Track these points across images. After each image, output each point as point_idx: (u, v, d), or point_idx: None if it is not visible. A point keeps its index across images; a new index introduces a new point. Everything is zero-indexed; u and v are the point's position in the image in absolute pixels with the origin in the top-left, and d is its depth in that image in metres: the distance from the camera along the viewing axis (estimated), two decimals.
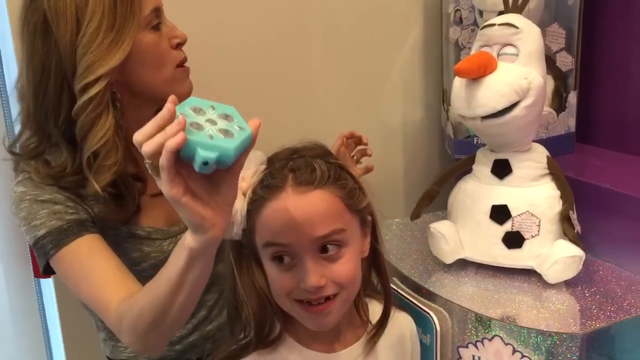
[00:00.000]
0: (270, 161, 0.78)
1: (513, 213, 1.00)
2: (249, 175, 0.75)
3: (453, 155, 1.33)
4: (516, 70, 0.95)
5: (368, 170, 1.14)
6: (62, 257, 0.86)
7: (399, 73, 1.43)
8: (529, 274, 1.03)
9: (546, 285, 1.00)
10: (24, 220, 0.88)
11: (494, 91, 0.94)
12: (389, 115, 1.44)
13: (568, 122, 1.29)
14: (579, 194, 1.02)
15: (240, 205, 0.74)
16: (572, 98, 1.28)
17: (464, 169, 1.11)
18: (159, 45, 0.91)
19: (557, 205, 1.01)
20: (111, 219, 0.91)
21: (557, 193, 1.02)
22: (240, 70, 1.28)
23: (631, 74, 1.28)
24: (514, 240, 1.01)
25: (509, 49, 0.98)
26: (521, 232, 1.00)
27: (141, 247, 0.96)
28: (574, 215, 1.00)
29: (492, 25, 0.99)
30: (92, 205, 0.90)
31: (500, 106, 0.94)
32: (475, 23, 1.31)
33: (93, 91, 0.83)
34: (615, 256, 1.08)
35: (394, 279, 1.11)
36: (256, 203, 0.76)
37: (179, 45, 0.95)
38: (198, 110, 0.63)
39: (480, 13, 1.26)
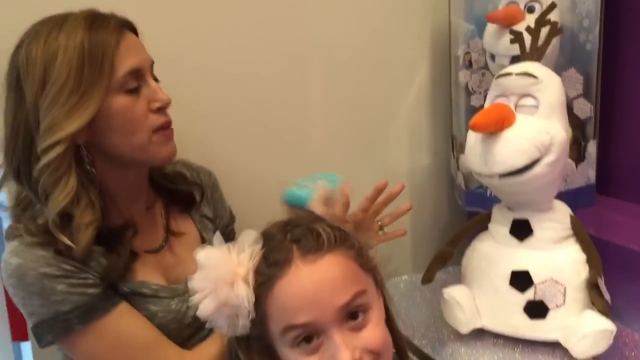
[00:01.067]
0: (267, 237, 0.68)
1: (535, 280, 0.91)
2: (246, 258, 0.66)
3: (464, 206, 1.25)
4: (537, 124, 0.87)
5: (397, 235, 1.07)
6: (91, 331, 0.83)
7: (405, 118, 1.35)
8: (553, 347, 0.93)
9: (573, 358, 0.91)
10: (37, 295, 0.82)
11: (513, 147, 0.85)
12: (394, 163, 1.36)
13: (587, 173, 1.21)
14: (602, 254, 0.93)
15: (244, 292, 0.64)
16: (592, 147, 1.20)
17: (479, 227, 1.02)
18: (131, 110, 0.84)
19: (584, 271, 0.92)
20: (109, 276, 0.86)
21: (583, 257, 0.93)
22: (239, 116, 1.20)
23: None
24: (536, 309, 0.91)
25: (528, 101, 0.89)
26: (545, 301, 0.91)
27: (147, 305, 0.89)
28: (602, 282, 0.91)
29: (509, 74, 0.91)
30: (93, 266, 0.85)
31: (520, 164, 0.85)
32: (486, 66, 1.23)
33: (52, 154, 0.79)
34: None
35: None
36: (264, 286, 0.66)
37: (160, 110, 0.88)
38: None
39: (492, 57, 1.19)
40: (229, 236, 1.04)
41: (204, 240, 1.00)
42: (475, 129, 0.86)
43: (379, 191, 1.01)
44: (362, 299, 0.67)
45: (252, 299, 0.65)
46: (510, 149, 0.85)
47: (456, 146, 1.30)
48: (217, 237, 0.69)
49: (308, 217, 0.73)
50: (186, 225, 1.00)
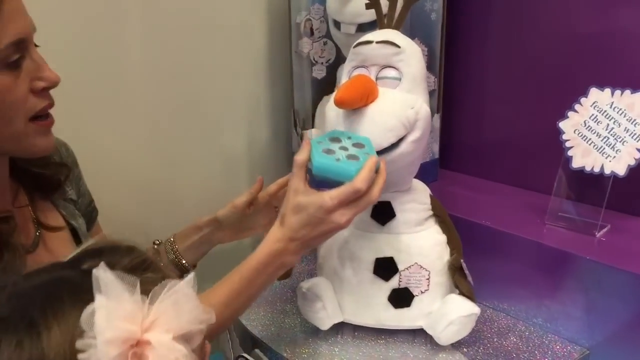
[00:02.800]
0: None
1: (400, 267, 0.85)
2: None
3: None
4: (401, 98, 0.79)
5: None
6: None
7: (242, 91, 1.21)
8: (414, 333, 0.88)
9: (436, 346, 0.86)
10: None
11: (380, 125, 0.76)
12: (230, 140, 1.22)
13: (432, 148, 1.18)
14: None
15: None
16: (436, 122, 1.17)
17: None
18: (10, 90, 0.63)
19: (445, 253, 0.88)
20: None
21: (444, 238, 0.89)
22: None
23: (486, 96, 1.20)
24: (402, 298, 0.85)
25: (390, 72, 0.81)
26: (410, 289, 0.85)
27: None
28: (464, 264, 0.87)
29: (369, 42, 0.82)
30: None
31: (387, 143, 0.77)
32: (328, 35, 1.14)
33: None
34: (496, 299, 0.99)
35: (256, 350, 0.90)
36: None
37: (44, 90, 0.67)
38: (335, 140, 0.77)
39: (336, 24, 1.09)
40: (92, 215, 0.89)
41: (74, 231, 0.80)
42: (342, 105, 0.75)
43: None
44: None
45: None
46: (377, 127, 0.76)
47: (299, 121, 1.20)
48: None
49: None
50: (54, 215, 0.79)
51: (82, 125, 1.02)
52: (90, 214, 0.88)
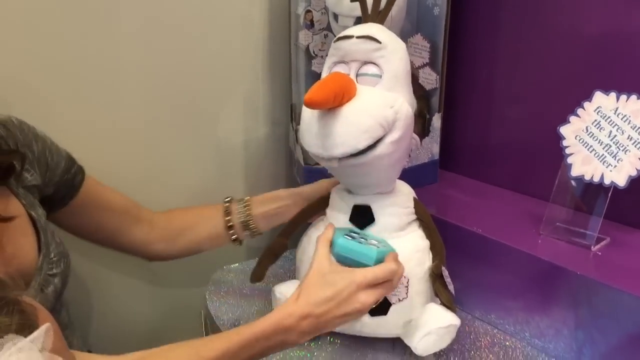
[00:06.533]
0: None
1: None
2: None
3: (303, 184, 1.12)
4: (379, 97, 0.75)
5: None
6: None
7: (240, 84, 1.18)
8: (393, 341, 0.85)
9: (417, 355, 0.83)
10: None
11: (354, 126, 0.72)
12: (227, 133, 1.19)
13: (432, 148, 1.13)
14: (443, 235, 0.85)
15: None
16: (436, 121, 1.12)
17: (317, 213, 0.90)
18: None
19: (427, 260, 0.83)
20: None
21: (427, 243, 0.84)
22: (39, 85, 0.96)
23: (490, 96, 1.15)
24: (378, 306, 0.81)
25: (370, 69, 0.77)
26: (387, 297, 0.81)
27: None
28: (446, 272, 0.83)
29: (349, 37, 0.78)
30: None
31: (362, 145, 0.73)
32: (329, 27, 1.10)
33: None
34: (484, 310, 0.94)
35: None
36: None
37: None
38: (352, 234, 0.80)
39: (335, 17, 1.06)
40: (74, 183, 0.87)
41: (33, 220, 0.78)
42: (312, 105, 0.71)
43: None
44: None
45: None
46: (351, 129, 0.72)
47: (295, 116, 1.16)
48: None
49: None
50: (10, 204, 0.76)
51: (76, 118, 1.01)
52: (71, 181, 0.86)
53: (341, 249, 0.75)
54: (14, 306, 0.42)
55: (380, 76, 0.76)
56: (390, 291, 0.77)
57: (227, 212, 0.96)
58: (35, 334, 0.39)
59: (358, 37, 0.76)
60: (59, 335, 0.45)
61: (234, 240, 0.97)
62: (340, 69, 0.78)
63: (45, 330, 0.39)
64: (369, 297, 0.72)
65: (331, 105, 0.72)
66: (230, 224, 0.96)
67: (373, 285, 0.72)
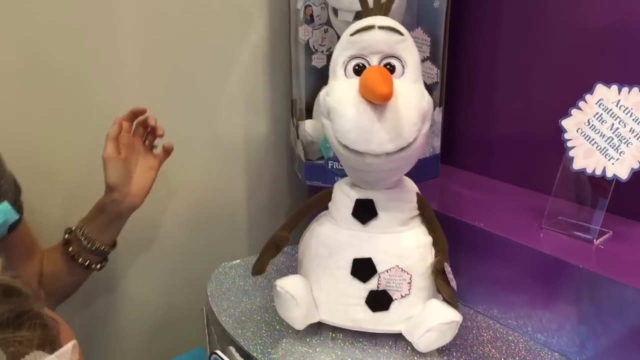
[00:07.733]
0: None
1: (379, 268, 0.80)
2: None
3: (304, 180, 1.11)
4: (414, 89, 0.75)
5: (167, 151, 0.99)
6: None
7: (240, 79, 1.18)
8: (395, 337, 0.85)
9: (418, 352, 0.82)
10: None
11: (405, 119, 0.72)
12: (227, 130, 1.19)
13: (433, 143, 1.13)
14: (445, 230, 0.85)
15: None
16: (438, 115, 1.12)
17: (319, 207, 0.90)
18: None
19: (429, 256, 0.83)
20: None
21: (429, 239, 0.84)
22: (34, 83, 0.95)
23: (491, 90, 1.14)
24: (379, 301, 0.81)
25: (393, 61, 0.76)
26: (389, 292, 0.81)
27: None
28: (448, 268, 0.83)
29: (370, 27, 0.76)
30: None
31: (412, 137, 0.73)
32: (328, 22, 1.09)
33: None
34: (486, 305, 0.94)
35: (230, 348, 0.87)
36: None
37: None
38: None
39: (335, 12, 1.05)
40: (19, 212, 0.86)
41: None
42: (385, 99, 0.69)
43: (135, 113, 0.94)
44: None
45: None
46: (403, 122, 0.71)
47: (296, 112, 1.16)
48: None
49: None
50: None
51: (75, 117, 1.01)
52: (17, 211, 0.80)
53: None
54: (36, 320, 0.41)
55: (404, 68, 0.76)
56: None
57: (71, 244, 0.90)
58: (62, 349, 0.38)
59: (381, 28, 0.75)
60: (81, 352, 0.45)
61: (87, 266, 0.91)
62: (358, 63, 0.77)
63: (72, 347, 0.39)
64: None
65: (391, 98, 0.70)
66: (73, 252, 0.90)
67: None
